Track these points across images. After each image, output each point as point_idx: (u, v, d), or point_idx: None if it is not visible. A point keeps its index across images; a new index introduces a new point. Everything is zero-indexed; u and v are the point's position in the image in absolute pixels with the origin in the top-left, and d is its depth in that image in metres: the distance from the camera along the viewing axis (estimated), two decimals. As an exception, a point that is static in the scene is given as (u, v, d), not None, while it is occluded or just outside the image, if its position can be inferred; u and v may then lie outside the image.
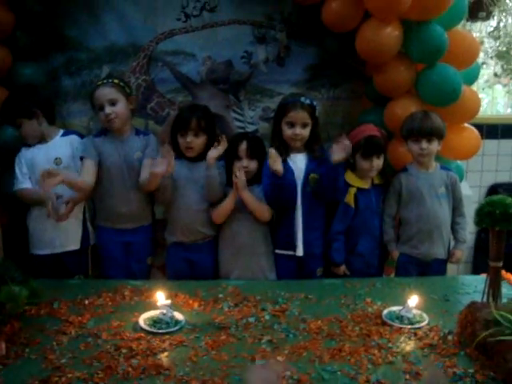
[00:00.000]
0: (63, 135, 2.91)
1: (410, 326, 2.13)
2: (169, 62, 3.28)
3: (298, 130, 2.73)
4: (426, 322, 2.16)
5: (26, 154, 2.83)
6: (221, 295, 2.44)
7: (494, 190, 4.19)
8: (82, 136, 2.96)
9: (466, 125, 3.16)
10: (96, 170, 2.79)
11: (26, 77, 3.09)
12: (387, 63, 2.91)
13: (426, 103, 2.95)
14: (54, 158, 2.81)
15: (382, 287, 2.55)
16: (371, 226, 2.87)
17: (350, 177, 2.87)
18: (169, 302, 2.22)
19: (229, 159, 2.83)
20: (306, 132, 2.76)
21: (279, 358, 1.92)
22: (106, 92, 2.73)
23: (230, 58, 3.29)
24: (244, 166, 2.76)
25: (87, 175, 2.75)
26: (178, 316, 2.22)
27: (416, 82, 2.95)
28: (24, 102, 2.80)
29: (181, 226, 2.84)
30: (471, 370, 1.84)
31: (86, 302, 2.37)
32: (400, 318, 2.18)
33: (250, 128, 3.38)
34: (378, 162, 2.81)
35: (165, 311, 2.20)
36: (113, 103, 2.73)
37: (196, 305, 2.37)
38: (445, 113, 2.94)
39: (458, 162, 3.26)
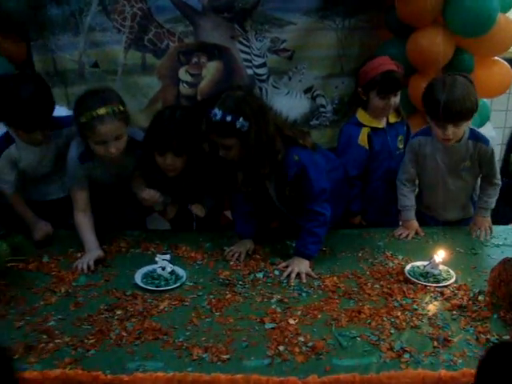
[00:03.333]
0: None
1: (435, 285, 1.93)
2: (167, -12, 2.99)
3: (221, 153, 2.13)
4: (453, 280, 1.95)
5: (12, 153, 2.36)
6: (226, 247, 2.23)
7: (519, 131, 3.90)
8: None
9: (496, 58, 2.93)
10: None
11: (8, 8, 2.81)
12: (411, -13, 2.61)
13: (454, 33, 2.68)
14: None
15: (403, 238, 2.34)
16: (388, 169, 2.59)
17: (362, 116, 2.56)
18: (168, 256, 2.02)
19: None
20: (231, 154, 2.11)
21: (291, 321, 1.72)
22: (113, 128, 2.17)
23: (235, -18, 3.00)
24: None
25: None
26: (179, 271, 2.02)
27: (444, 9, 2.65)
28: None
29: None
30: (506, 336, 1.65)
31: (79, 255, 2.17)
32: (425, 275, 1.97)
33: (258, 61, 3.12)
34: (395, 100, 2.50)
35: (164, 265, 2.00)
36: (117, 138, 2.22)
37: (199, 257, 2.18)
38: (474, 45, 2.72)
39: (484, 99, 2.98)
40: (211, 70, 3.14)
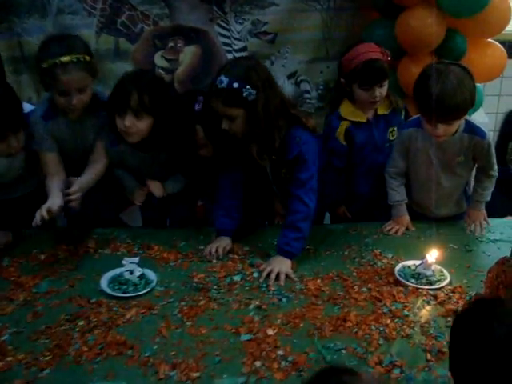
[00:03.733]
0: None
1: (428, 287, 1.78)
2: (139, -34, 2.84)
3: (224, 125, 1.98)
4: (447, 281, 1.81)
5: None
6: (202, 247, 2.07)
7: (512, 116, 3.77)
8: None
9: (490, 40, 2.79)
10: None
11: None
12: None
13: (446, 13, 2.53)
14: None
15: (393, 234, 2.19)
16: (375, 164, 2.39)
17: (345, 108, 2.36)
18: (136, 259, 1.85)
19: None
20: (235, 126, 1.96)
21: (269, 332, 1.56)
22: (77, 78, 2.04)
23: (213, -40, 2.86)
24: None
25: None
26: (149, 274, 1.86)
27: (435, -13, 2.51)
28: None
29: None
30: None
31: (42, 257, 2.01)
32: (416, 277, 1.82)
33: (238, 45, 2.99)
34: (380, 91, 2.28)
35: (132, 269, 1.83)
36: (81, 90, 2.09)
37: (172, 258, 2.02)
38: (467, 25, 2.59)
39: (477, 84, 2.83)
40: (188, 54, 3.01)
